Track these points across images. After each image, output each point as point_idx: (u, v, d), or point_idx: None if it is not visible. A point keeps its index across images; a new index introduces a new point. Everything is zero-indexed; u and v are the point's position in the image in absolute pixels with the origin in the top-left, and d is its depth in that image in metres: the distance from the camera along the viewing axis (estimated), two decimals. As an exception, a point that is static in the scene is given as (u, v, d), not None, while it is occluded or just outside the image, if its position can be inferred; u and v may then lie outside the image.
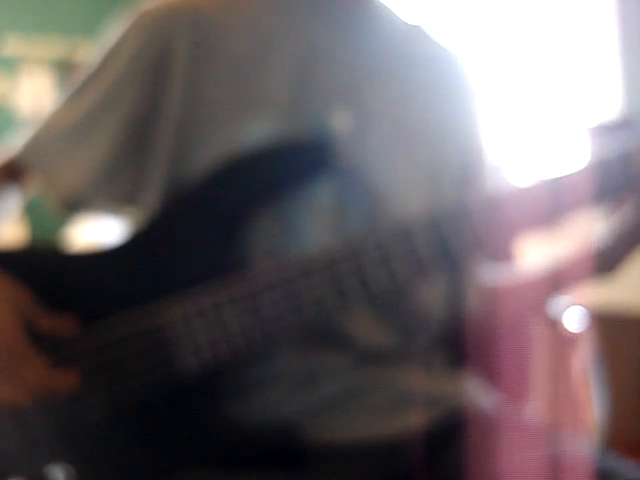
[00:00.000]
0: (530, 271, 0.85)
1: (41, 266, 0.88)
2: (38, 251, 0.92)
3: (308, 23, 0.91)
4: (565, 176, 0.78)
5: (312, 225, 0.85)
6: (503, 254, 0.89)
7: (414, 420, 0.86)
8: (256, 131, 0.84)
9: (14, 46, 3.99)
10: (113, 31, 0.91)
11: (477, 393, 0.93)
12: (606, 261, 0.82)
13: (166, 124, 0.86)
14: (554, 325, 1.57)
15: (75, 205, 0.90)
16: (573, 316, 1.69)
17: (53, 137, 0.91)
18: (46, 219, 1.09)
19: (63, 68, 3.93)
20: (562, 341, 1.59)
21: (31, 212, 3.33)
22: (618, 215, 0.82)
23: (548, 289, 0.80)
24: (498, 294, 0.79)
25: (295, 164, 0.84)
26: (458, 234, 0.77)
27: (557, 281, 0.80)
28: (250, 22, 0.89)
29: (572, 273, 0.80)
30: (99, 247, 0.88)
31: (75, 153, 0.90)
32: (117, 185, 0.89)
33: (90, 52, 0.92)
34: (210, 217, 0.84)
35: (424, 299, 0.90)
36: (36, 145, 0.92)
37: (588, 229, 0.82)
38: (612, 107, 2.33)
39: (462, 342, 0.90)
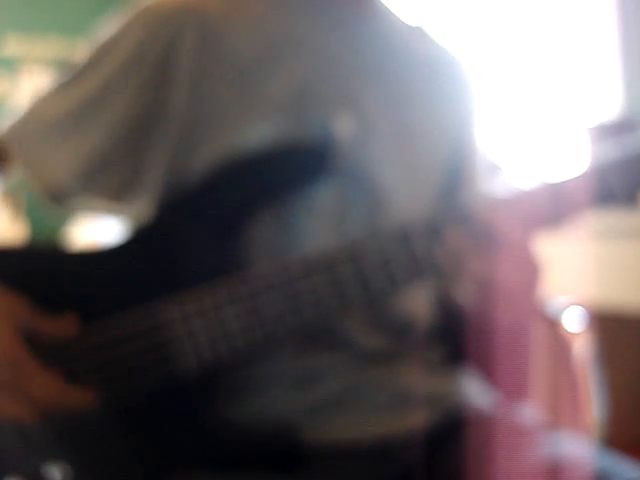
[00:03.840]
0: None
1: (41, 265, 0.88)
2: (38, 250, 0.92)
3: (311, 25, 0.90)
4: (566, 181, 0.78)
5: (313, 227, 0.85)
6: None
7: (413, 420, 0.86)
8: (258, 133, 0.84)
9: (14, 46, 3.99)
10: (114, 22, 0.89)
11: (476, 393, 0.93)
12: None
13: (169, 123, 0.86)
14: (554, 325, 1.57)
15: (60, 197, 0.89)
16: (573, 316, 1.69)
17: (41, 125, 0.89)
18: (46, 219, 1.09)
19: (63, 68, 3.93)
20: (562, 341, 1.59)
21: (30, 212, 3.33)
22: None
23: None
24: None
25: (297, 167, 0.84)
26: (457, 238, 0.77)
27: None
28: (254, 24, 0.89)
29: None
30: (99, 247, 0.88)
31: (63, 144, 0.88)
32: (108, 180, 0.88)
33: (88, 49, 0.91)
34: (211, 218, 0.84)
35: (421, 299, 0.90)
36: (22, 131, 0.90)
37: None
38: (612, 107, 2.33)
39: (461, 341, 0.90)
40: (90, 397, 0.80)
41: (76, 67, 0.90)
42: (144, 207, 0.88)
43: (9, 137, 0.91)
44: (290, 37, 0.89)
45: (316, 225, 0.85)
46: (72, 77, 0.90)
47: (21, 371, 0.79)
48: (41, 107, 0.91)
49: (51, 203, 0.90)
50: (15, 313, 0.81)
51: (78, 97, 0.89)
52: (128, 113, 0.87)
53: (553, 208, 0.78)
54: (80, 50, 0.92)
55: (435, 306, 0.94)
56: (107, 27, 0.90)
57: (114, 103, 0.87)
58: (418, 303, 0.91)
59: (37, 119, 0.90)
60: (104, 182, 0.88)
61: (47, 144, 0.89)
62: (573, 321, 1.69)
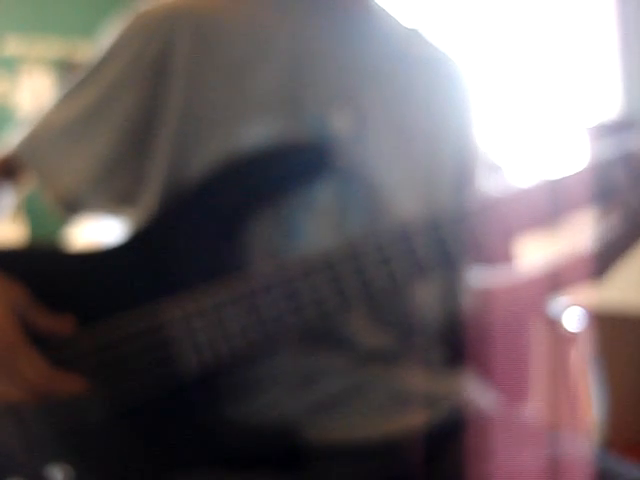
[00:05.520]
0: (528, 271, 0.85)
1: (41, 266, 0.88)
2: (38, 251, 0.92)
3: (307, 24, 0.91)
4: (564, 178, 0.78)
5: (312, 226, 0.85)
6: (502, 255, 0.89)
7: (413, 420, 0.86)
8: (255, 132, 0.84)
9: (14, 46, 3.99)
10: (112, 30, 0.91)
11: (477, 393, 0.93)
12: (599, 263, 0.82)
13: (166, 124, 0.86)
14: (554, 325, 1.57)
15: (73, 205, 0.90)
16: (573, 316, 1.69)
17: (50, 135, 0.91)
18: (45, 218, 1.09)
19: (63, 68, 3.93)
20: (562, 341, 1.59)
21: (30, 211, 3.33)
22: (611, 219, 0.82)
23: (546, 289, 0.80)
24: (495, 294, 0.79)
25: (295, 165, 0.84)
26: (457, 236, 0.78)
27: (555, 281, 0.80)
28: (249, 23, 0.89)
29: (570, 273, 0.80)
30: (99, 247, 0.88)
31: (72, 152, 0.89)
32: (115, 184, 0.89)
33: (90, 52, 0.92)
34: (210, 217, 0.84)
35: (422, 299, 0.90)
36: (33, 143, 0.91)
37: (586, 229, 0.82)
38: (612, 107, 2.33)
39: (461, 342, 0.91)
40: (81, 385, 0.81)
41: (78, 77, 0.91)
42: (145, 208, 0.88)
43: (20, 151, 0.92)
44: (285, 36, 0.89)
45: (315, 223, 0.85)
46: (76, 86, 0.91)
47: (15, 353, 0.79)
48: (48, 119, 0.92)
49: (65, 212, 0.91)
50: (13, 299, 0.82)
51: (83, 104, 0.90)
52: (130, 117, 0.87)
53: (551, 206, 0.78)
54: (80, 51, 0.93)
55: (437, 306, 0.94)
56: (107, 32, 0.91)
57: (116, 109, 0.88)
58: (420, 303, 0.91)
59: (45, 131, 0.91)
60: (113, 186, 0.89)
61: (57, 154, 0.90)
62: (573, 321, 1.69)
